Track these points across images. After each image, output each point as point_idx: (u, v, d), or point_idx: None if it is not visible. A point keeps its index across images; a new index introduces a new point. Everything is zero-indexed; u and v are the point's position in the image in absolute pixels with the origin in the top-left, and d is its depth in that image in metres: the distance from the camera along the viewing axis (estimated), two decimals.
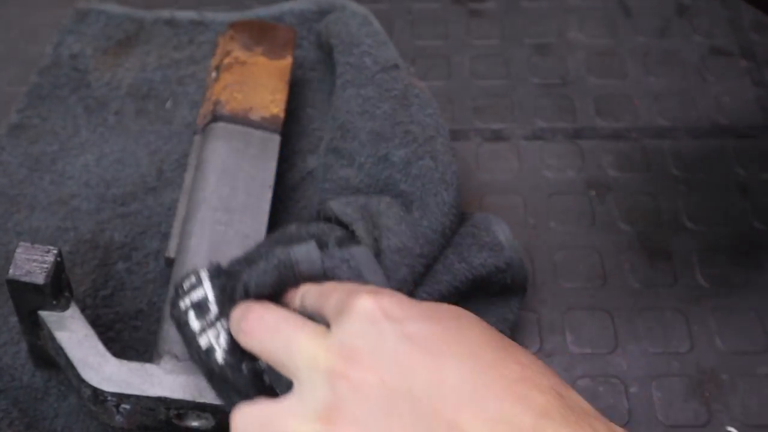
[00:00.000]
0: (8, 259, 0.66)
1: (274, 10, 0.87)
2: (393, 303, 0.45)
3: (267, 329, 0.49)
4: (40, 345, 0.60)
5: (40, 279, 0.55)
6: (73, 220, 0.71)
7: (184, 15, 0.87)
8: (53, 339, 0.57)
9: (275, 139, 0.71)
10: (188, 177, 0.70)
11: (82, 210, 0.72)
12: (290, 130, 0.76)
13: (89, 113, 0.79)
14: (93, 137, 0.77)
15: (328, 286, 0.50)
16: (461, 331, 0.43)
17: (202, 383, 0.56)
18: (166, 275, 0.66)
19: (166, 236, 0.70)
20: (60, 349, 0.57)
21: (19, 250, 0.55)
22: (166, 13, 0.87)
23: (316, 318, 0.48)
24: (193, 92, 0.80)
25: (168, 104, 0.80)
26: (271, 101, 0.72)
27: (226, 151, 0.69)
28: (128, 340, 0.65)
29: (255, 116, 0.71)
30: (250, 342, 0.50)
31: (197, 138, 0.72)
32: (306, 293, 0.51)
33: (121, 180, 0.74)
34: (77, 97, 0.80)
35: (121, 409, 0.57)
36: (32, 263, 0.55)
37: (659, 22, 0.85)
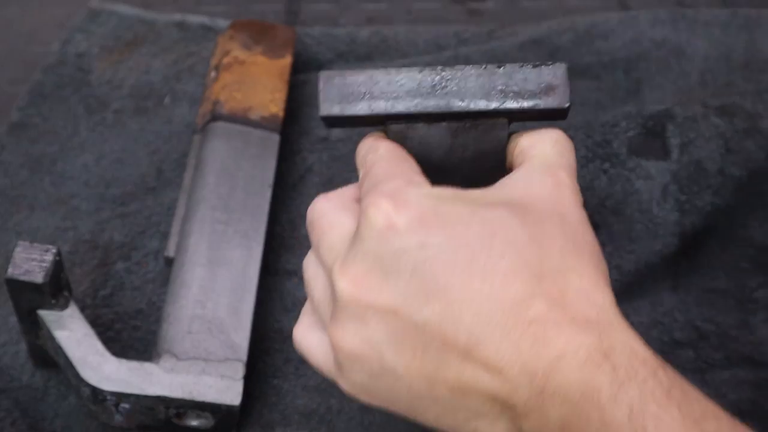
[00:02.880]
0: (8, 258, 0.66)
1: None
2: (414, 217, 0.41)
3: (310, 221, 0.49)
4: (39, 345, 0.60)
5: (39, 278, 0.55)
6: (73, 220, 0.72)
7: (195, 19, 0.87)
8: (52, 338, 0.57)
9: (274, 139, 0.71)
10: (187, 176, 0.70)
11: (82, 210, 0.72)
12: (290, 129, 0.76)
13: (90, 113, 0.79)
14: (93, 137, 0.77)
15: (367, 162, 0.48)
16: (491, 254, 0.40)
17: (202, 382, 0.57)
18: (166, 275, 0.66)
19: (165, 236, 0.70)
20: (59, 349, 0.57)
21: (18, 249, 0.56)
22: (177, 16, 0.87)
23: None
24: (193, 91, 0.80)
25: (166, 100, 0.80)
26: (271, 100, 0.72)
27: (226, 151, 0.69)
28: (128, 339, 0.65)
29: (254, 115, 0.71)
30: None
31: (197, 137, 0.72)
32: (357, 157, 0.50)
33: (121, 180, 0.74)
34: (79, 96, 0.80)
35: (120, 409, 0.57)
36: (31, 262, 0.55)
37: None
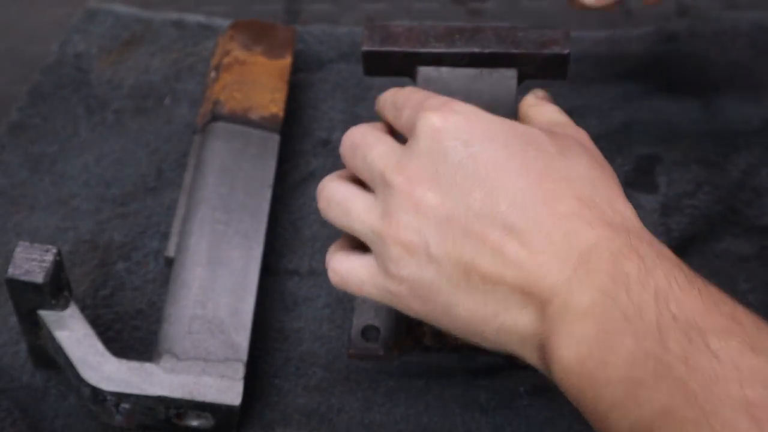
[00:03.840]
0: (8, 258, 0.66)
1: None
2: (460, 121, 0.47)
3: (351, 144, 0.53)
4: (39, 345, 0.60)
5: (39, 278, 0.55)
6: (73, 221, 0.72)
7: (193, 18, 0.87)
8: (52, 338, 0.57)
9: (275, 139, 0.71)
10: (188, 176, 0.70)
11: (82, 210, 0.72)
12: (291, 130, 0.76)
13: (90, 113, 0.79)
14: (92, 137, 0.78)
15: (401, 97, 0.53)
16: (526, 157, 0.45)
17: (202, 382, 0.57)
18: (166, 275, 0.66)
19: (165, 236, 0.70)
20: (59, 349, 0.57)
21: (18, 249, 0.55)
22: (174, 15, 0.87)
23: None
24: (193, 90, 0.81)
25: (166, 100, 0.80)
26: (271, 100, 0.72)
27: (226, 151, 0.69)
28: (128, 339, 0.65)
29: (254, 116, 0.71)
30: (341, 152, 0.54)
31: (197, 138, 0.72)
32: (384, 103, 0.55)
33: (121, 180, 0.74)
34: (78, 96, 0.81)
35: (120, 409, 0.57)
36: (31, 262, 0.55)
37: (660, 22, 0.85)
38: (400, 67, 0.62)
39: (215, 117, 0.70)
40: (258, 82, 0.73)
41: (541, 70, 0.61)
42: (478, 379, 0.61)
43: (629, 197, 0.70)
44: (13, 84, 0.84)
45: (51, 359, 0.61)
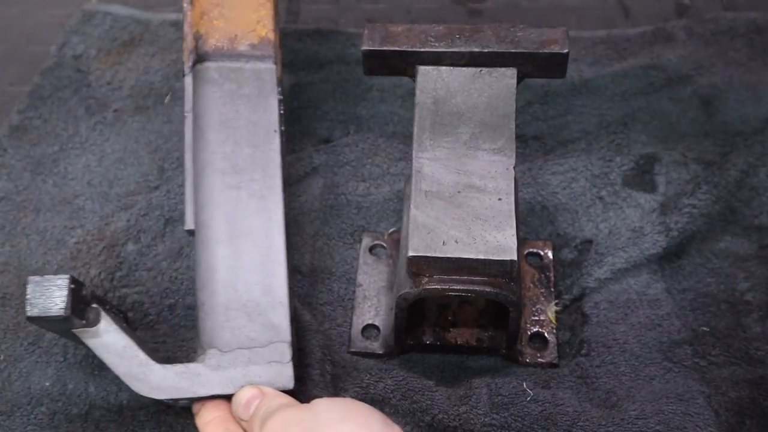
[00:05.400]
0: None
1: None
2: None
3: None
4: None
5: (60, 312, 0.52)
6: (79, 219, 0.72)
7: None
8: (93, 353, 0.55)
9: (270, 70, 0.63)
10: (187, 132, 0.63)
11: (87, 209, 0.72)
12: (292, 129, 0.77)
13: (90, 114, 0.79)
14: (93, 137, 0.78)
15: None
16: None
17: (251, 373, 0.55)
18: (175, 253, 0.67)
19: (169, 221, 0.70)
20: (103, 362, 0.55)
21: (29, 287, 0.53)
22: (172, 16, 0.87)
23: None
24: None
25: (166, 99, 0.80)
26: (257, 21, 0.64)
27: (220, 98, 0.62)
28: (156, 319, 0.66)
29: (242, 45, 0.63)
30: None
31: (187, 80, 0.65)
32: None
33: (124, 179, 0.74)
34: (78, 98, 0.81)
35: (179, 402, 0.57)
36: (46, 299, 0.53)
37: (659, 22, 0.85)
38: (400, 67, 0.62)
39: (200, 57, 0.63)
40: (238, 2, 0.64)
41: (540, 69, 0.61)
42: (478, 378, 0.61)
43: (629, 197, 0.72)
44: (13, 85, 0.84)
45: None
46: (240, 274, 0.58)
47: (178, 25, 0.86)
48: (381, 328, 0.65)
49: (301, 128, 0.78)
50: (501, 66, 0.61)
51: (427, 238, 0.56)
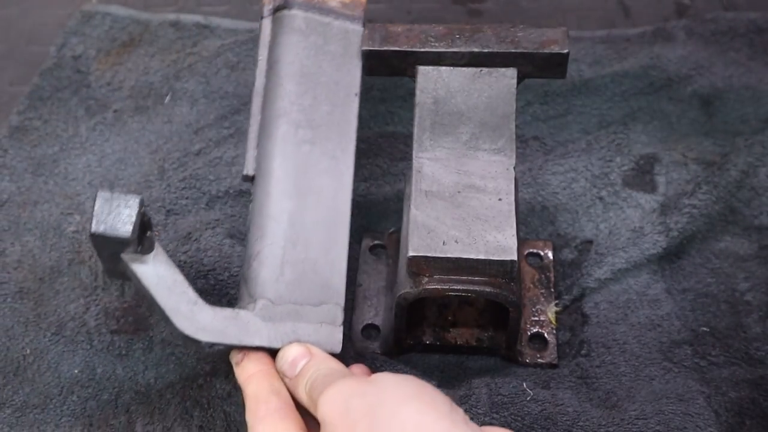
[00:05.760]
0: (33, 257, 0.68)
1: None
2: None
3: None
4: (121, 271, 0.55)
5: (126, 234, 0.50)
6: (78, 210, 0.72)
7: (190, 18, 0.87)
8: (140, 283, 0.53)
9: (357, 32, 0.62)
10: (259, 76, 0.61)
11: (87, 206, 0.73)
12: None
13: (90, 115, 0.80)
14: (94, 137, 0.78)
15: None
16: None
17: (301, 330, 0.54)
18: (183, 237, 0.68)
19: (170, 212, 0.71)
20: (149, 296, 0.53)
21: (98, 201, 0.50)
22: (171, 16, 0.87)
23: None
24: (193, 89, 0.81)
25: (167, 99, 0.80)
26: None
27: (303, 49, 0.60)
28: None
29: (333, 1, 0.61)
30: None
31: (265, 23, 0.62)
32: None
33: (124, 179, 0.75)
34: (78, 98, 0.81)
35: (213, 348, 0.54)
36: (115, 216, 0.50)
37: (658, 22, 0.85)
38: (400, 67, 0.62)
39: (287, 2, 0.60)
40: None
41: (541, 69, 0.61)
42: (478, 378, 0.61)
43: (629, 197, 0.72)
44: (12, 85, 0.84)
45: (125, 273, 0.56)
46: (302, 231, 0.56)
47: (178, 25, 0.86)
48: (381, 328, 0.65)
49: None
50: (501, 66, 0.61)
51: (427, 238, 0.56)
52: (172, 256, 0.68)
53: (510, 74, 0.61)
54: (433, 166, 0.60)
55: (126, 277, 0.55)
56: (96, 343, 0.64)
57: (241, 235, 0.70)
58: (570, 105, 0.78)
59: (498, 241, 0.56)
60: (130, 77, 0.82)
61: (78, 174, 0.75)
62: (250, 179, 0.58)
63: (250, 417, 0.51)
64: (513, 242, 0.56)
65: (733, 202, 0.70)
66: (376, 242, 0.69)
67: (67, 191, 0.74)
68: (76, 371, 0.63)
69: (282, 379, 0.52)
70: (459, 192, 0.58)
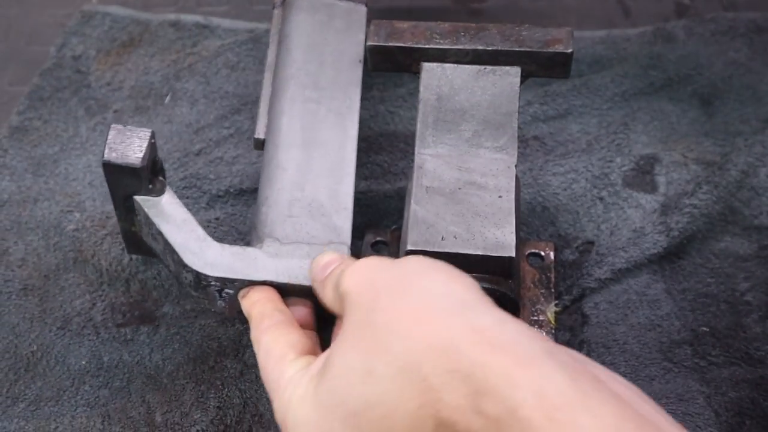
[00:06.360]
0: (27, 249, 0.68)
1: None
2: None
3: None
4: (134, 232, 0.60)
5: (136, 161, 0.53)
6: (79, 208, 0.72)
7: (190, 18, 0.87)
8: (150, 224, 0.56)
9: (361, 11, 0.67)
10: (271, 53, 0.66)
11: (87, 205, 0.73)
12: None
13: (90, 115, 0.80)
14: (94, 137, 0.78)
15: None
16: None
17: (307, 266, 0.55)
18: None
19: None
20: (159, 234, 0.56)
21: (112, 132, 0.54)
22: (171, 16, 0.87)
23: None
24: (193, 90, 0.81)
25: (167, 99, 0.80)
26: None
27: (310, 25, 0.65)
28: (179, 294, 0.67)
29: None
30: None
31: (276, 12, 0.68)
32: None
33: None
34: (78, 98, 0.81)
35: (223, 294, 0.56)
36: (126, 146, 0.54)
37: (659, 22, 0.85)
38: (405, 63, 0.63)
39: None
40: None
41: (544, 69, 0.62)
42: None
43: (629, 197, 0.72)
44: (12, 85, 0.84)
45: (145, 246, 0.60)
46: (309, 176, 0.59)
47: (177, 25, 0.86)
48: None
49: None
50: (505, 64, 0.62)
51: (426, 233, 0.57)
52: None
53: (514, 73, 0.61)
54: (434, 162, 0.60)
55: (145, 250, 0.59)
56: (102, 334, 0.65)
57: (241, 234, 0.70)
58: (570, 105, 0.78)
59: (497, 237, 0.56)
60: (130, 77, 0.82)
61: (78, 174, 0.75)
62: (261, 144, 0.62)
63: (254, 332, 0.52)
64: (512, 239, 0.56)
65: (733, 202, 0.70)
66: (378, 239, 0.69)
67: (68, 190, 0.74)
68: (83, 362, 0.64)
69: (312, 284, 0.53)
70: (460, 188, 0.59)
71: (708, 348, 0.63)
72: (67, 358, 0.64)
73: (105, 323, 0.66)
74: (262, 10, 0.90)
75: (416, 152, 0.61)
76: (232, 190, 0.73)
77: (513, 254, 0.56)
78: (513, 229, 0.57)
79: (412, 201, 0.58)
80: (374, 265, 0.46)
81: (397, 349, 0.40)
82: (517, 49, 0.61)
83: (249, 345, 0.63)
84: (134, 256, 0.68)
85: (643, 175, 0.73)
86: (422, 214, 0.57)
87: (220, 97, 0.80)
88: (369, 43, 0.62)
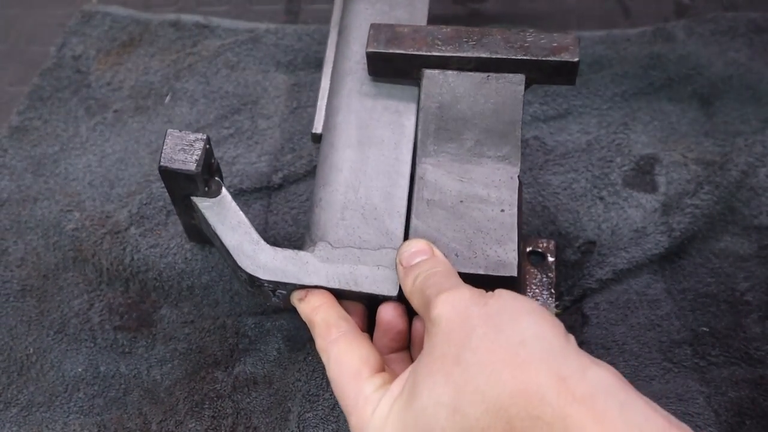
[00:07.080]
0: (26, 248, 0.68)
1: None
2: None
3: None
4: (194, 224, 0.61)
5: (191, 167, 0.55)
6: (78, 207, 0.72)
7: (190, 18, 0.87)
8: (207, 224, 0.57)
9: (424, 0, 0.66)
10: (330, 43, 0.66)
11: (87, 205, 0.73)
12: (292, 128, 0.77)
13: (90, 114, 0.80)
14: (94, 137, 0.78)
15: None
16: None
17: (358, 272, 0.56)
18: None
19: (171, 212, 0.71)
20: (214, 235, 0.57)
21: (168, 138, 0.56)
22: (171, 16, 0.87)
23: None
24: (193, 89, 0.81)
25: (167, 99, 0.80)
26: None
27: (371, 14, 0.65)
28: (177, 297, 0.67)
29: None
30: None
31: (337, 2, 0.68)
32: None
33: (125, 179, 0.75)
34: (78, 98, 0.81)
35: (277, 293, 0.57)
36: (182, 151, 0.55)
37: (659, 22, 0.85)
38: (405, 70, 0.61)
39: None
40: None
41: (549, 77, 0.60)
42: None
43: (630, 197, 0.72)
44: (12, 85, 0.84)
45: (205, 236, 0.61)
46: (363, 178, 0.59)
47: (177, 25, 0.86)
48: None
49: (301, 128, 0.78)
50: (509, 72, 0.60)
51: None
52: (174, 254, 0.68)
53: (518, 80, 0.60)
54: (436, 172, 0.59)
55: (206, 239, 0.60)
56: (99, 341, 0.65)
57: None
58: (570, 105, 0.78)
59: (498, 255, 0.55)
60: (130, 77, 0.82)
61: (78, 174, 0.75)
62: (318, 138, 0.62)
63: (321, 341, 0.53)
64: (514, 257, 0.55)
65: (733, 202, 0.70)
66: None
67: (67, 190, 0.74)
68: (80, 369, 0.64)
69: (396, 267, 0.54)
70: (461, 201, 0.58)
71: (708, 348, 0.63)
72: (63, 364, 0.64)
73: (102, 325, 0.66)
74: (262, 10, 0.90)
75: (417, 162, 0.60)
76: (232, 190, 0.73)
77: (515, 274, 0.55)
78: (515, 246, 0.56)
79: (412, 215, 0.57)
80: (468, 298, 0.48)
81: (486, 390, 0.43)
82: (522, 57, 0.59)
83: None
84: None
85: (643, 175, 0.73)
86: (423, 230, 0.57)
87: (220, 97, 0.80)
88: (368, 49, 0.60)
